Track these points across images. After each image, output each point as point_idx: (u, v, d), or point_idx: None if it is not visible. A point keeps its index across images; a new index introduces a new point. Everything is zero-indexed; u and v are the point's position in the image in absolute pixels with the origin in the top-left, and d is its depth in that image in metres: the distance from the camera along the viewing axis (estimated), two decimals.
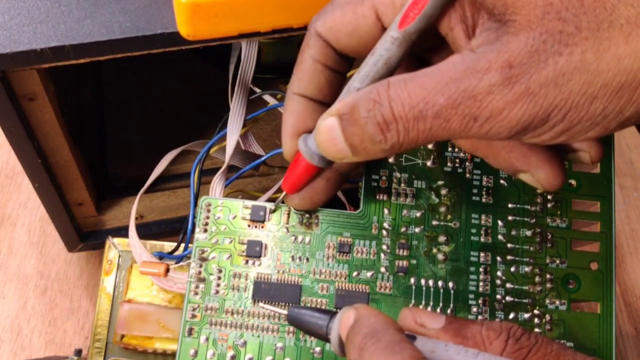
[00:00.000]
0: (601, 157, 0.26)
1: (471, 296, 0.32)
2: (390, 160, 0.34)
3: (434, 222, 0.33)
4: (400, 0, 0.25)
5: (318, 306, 0.32)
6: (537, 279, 0.33)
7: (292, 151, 0.29)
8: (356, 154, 0.25)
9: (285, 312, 0.28)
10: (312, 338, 0.31)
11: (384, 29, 0.25)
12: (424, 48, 0.27)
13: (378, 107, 0.23)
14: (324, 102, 0.28)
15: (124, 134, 0.52)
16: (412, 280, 0.32)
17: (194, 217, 0.33)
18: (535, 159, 0.26)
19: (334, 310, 0.28)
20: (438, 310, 0.32)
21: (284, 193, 0.32)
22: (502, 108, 0.21)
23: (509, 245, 0.33)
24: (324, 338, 0.26)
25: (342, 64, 0.28)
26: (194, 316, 0.32)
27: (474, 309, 0.32)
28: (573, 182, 0.34)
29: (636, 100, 0.21)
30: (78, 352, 0.39)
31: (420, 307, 0.32)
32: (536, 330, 0.32)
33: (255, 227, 0.33)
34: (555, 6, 0.21)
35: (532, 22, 0.21)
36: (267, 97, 0.41)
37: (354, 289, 0.32)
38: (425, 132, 0.23)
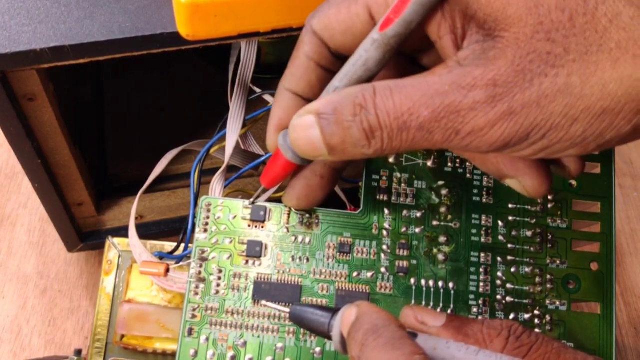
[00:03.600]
0: (580, 173, 0.26)
1: (471, 297, 0.32)
2: (391, 160, 0.34)
3: (435, 223, 0.33)
4: (393, 0, 0.24)
5: None
6: (537, 279, 0.33)
7: (274, 145, 0.29)
8: (333, 154, 0.25)
9: (287, 310, 0.28)
10: (313, 338, 0.31)
11: None
12: (415, 49, 0.27)
13: (364, 113, 0.23)
14: (313, 101, 0.28)
15: (123, 134, 0.52)
16: (413, 280, 0.32)
17: (194, 217, 0.33)
18: (523, 165, 0.26)
19: (336, 308, 0.28)
20: (438, 310, 0.32)
21: (261, 187, 0.32)
22: (483, 125, 0.22)
23: (509, 245, 0.33)
24: (326, 335, 0.26)
25: (336, 64, 0.27)
26: (194, 316, 0.32)
27: (475, 310, 0.32)
28: (573, 182, 0.34)
29: (617, 125, 0.21)
30: (78, 352, 0.39)
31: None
32: (536, 330, 0.32)
33: (256, 227, 0.33)
34: (546, 26, 0.21)
35: (520, 41, 0.21)
36: (267, 97, 0.41)
37: (354, 289, 0.32)
38: (408, 142, 0.23)
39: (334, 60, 0.27)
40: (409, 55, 0.28)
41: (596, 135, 0.21)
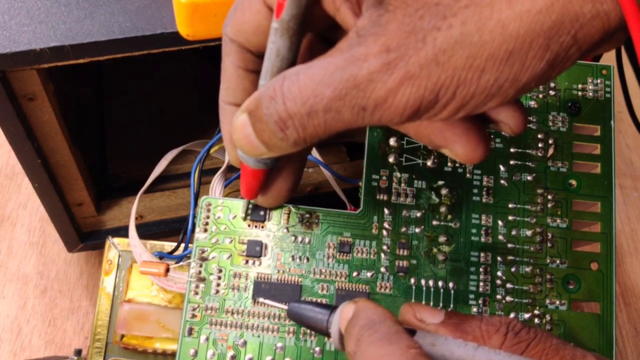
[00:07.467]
0: (523, 128, 0.24)
1: (471, 296, 0.32)
2: (391, 160, 0.34)
3: (434, 222, 0.33)
4: None
5: None
6: (537, 279, 0.33)
7: (237, 159, 0.29)
8: (270, 149, 0.24)
9: (285, 307, 0.28)
10: (313, 338, 0.31)
11: None
12: (326, 28, 0.25)
13: (274, 104, 0.22)
14: None
15: (123, 134, 0.52)
16: (412, 280, 0.32)
17: (194, 216, 0.33)
18: (451, 133, 0.24)
19: (335, 305, 0.28)
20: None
21: (245, 200, 0.32)
22: (385, 96, 0.20)
23: (509, 245, 0.33)
24: (325, 332, 0.26)
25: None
26: (194, 316, 0.32)
27: (474, 309, 0.32)
28: (573, 182, 0.34)
29: (530, 65, 0.20)
30: (78, 352, 0.39)
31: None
32: None
33: (256, 227, 0.33)
34: None
35: None
36: None
37: (354, 289, 0.32)
38: (321, 127, 0.22)
39: (260, 61, 0.26)
40: (324, 35, 0.26)
41: (511, 80, 0.20)
